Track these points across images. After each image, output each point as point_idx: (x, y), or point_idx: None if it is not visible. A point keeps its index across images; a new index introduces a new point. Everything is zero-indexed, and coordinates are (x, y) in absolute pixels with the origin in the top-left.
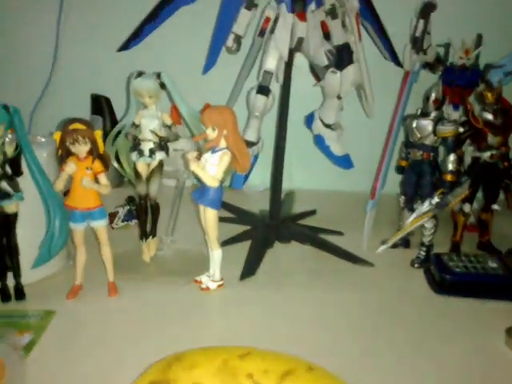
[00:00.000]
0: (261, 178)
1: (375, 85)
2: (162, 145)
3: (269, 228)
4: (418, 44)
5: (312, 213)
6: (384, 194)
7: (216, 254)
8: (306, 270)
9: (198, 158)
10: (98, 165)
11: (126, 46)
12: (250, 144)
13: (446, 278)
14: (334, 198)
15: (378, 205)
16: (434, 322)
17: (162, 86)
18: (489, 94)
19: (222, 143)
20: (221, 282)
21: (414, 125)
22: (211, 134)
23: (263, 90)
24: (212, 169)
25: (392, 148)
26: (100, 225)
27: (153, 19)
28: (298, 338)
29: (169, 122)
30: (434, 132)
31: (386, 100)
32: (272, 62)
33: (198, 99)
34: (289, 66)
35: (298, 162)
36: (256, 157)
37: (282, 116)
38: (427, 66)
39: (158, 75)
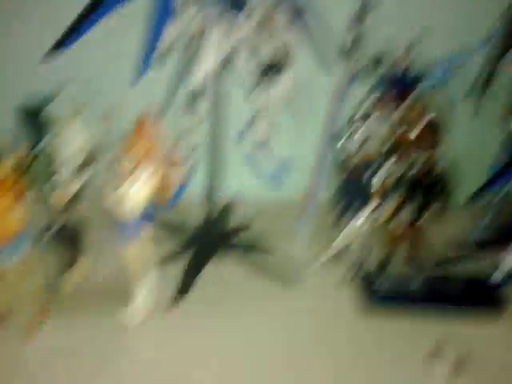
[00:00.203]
0: (200, 188)
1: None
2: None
3: (203, 246)
4: (354, 48)
5: (247, 227)
6: (321, 206)
7: (142, 286)
8: (238, 292)
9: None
10: None
11: (53, 52)
12: (183, 158)
13: (375, 296)
14: (271, 209)
15: (312, 219)
16: (363, 346)
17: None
18: (416, 109)
19: (145, 172)
20: (147, 312)
21: (341, 145)
22: (133, 162)
23: (190, 108)
24: (132, 199)
25: (325, 163)
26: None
27: (77, 28)
28: (232, 369)
29: (91, 142)
30: (361, 151)
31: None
32: (200, 78)
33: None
34: (218, 81)
35: (236, 171)
36: (192, 169)
37: (215, 128)
38: (359, 72)
39: None
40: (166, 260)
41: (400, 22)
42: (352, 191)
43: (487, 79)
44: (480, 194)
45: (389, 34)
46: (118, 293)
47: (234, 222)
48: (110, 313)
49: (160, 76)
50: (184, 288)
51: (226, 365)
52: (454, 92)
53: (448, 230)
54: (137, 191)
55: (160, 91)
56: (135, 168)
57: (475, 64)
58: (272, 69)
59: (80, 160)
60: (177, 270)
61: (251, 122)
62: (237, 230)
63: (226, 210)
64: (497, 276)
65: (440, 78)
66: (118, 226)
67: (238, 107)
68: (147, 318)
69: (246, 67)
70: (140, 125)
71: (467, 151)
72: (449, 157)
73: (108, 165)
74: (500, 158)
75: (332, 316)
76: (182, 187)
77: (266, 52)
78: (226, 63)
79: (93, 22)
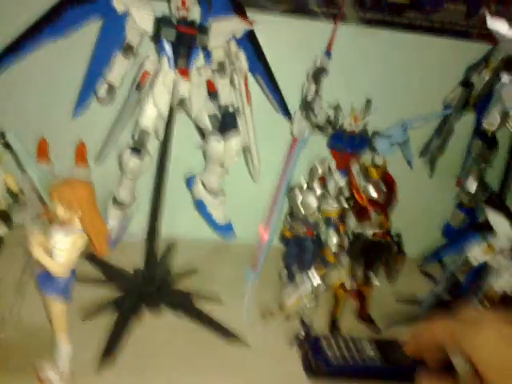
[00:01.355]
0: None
1: (264, 141)
2: (4, 216)
3: (140, 295)
4: (309, 107)
5: (192, 272)
6: (270, 261)
7: (64, 350)
8: (176, 351)
9: (44, 240)
10: None
11: None
12: (122, 205)
13: (323, 366)
14: (219, 251)
15: (260, 274)
16: None
17: (7, 146)
18: (373, 171)
19: (76, 224)
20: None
21: (299, 200)
22: (62, 213)
23: (138, 151)
24: (61, 255)
25: (278, 215)
26: None
27: (13, 52)
28: None
29: (14, 187)
30: (319, 209)
31: (275, 164)
32: (149, 120)
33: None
34: (169, 124)
35: (182, 209)
36: (129, 219)
37: (159, 175)
38: (317, 127)
39: (2, 135)
40: (94, 313)
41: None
42: (306, 249)
43: (443, 141)
44: (434, 257)
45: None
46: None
47: (178, 267)
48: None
49: (106, 110)
50: (111, 347)
51: None
52: (409, 153)
53: (400, 292)
54: (67, 244)
55: (105, 127)
56: (67, 215)
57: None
58: (230, 115)
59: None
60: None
61: (204, 168)
62: (183, 275)
63: (170, 255)
64: None
65: (396, 139)
66: (42, 278)
67: (191, 152)
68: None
69: (201, 112)
70: (79, 154)
71: (422, 212)
72: (404, 218)
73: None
74: (455, 220)
75: (278, 379)
76: (122, 232)
77: (225, 97)
78: (182, 105)
79: (34, 44)
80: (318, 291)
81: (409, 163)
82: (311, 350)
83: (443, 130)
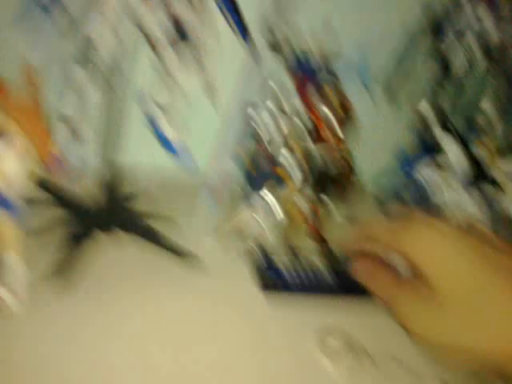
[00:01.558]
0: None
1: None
2: None
3: (90, 214)
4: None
5: (148, 196)
6: (227, 183)
7: (16, 269)
8: (129, 271)
9: None
10: None
11: None
12: (70, 121)
13: (276, 281)
14: (172, 177)
15: (217, 197)
16: (261, 329)
17: None
18: (330, 92)
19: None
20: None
21: (251, 116)
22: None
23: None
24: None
25: (233, 138)
26: None
27: None
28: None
29: None
30: (274, 128)
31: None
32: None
33: None
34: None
35: (133, 135)
36: (80, 138)
37: (111, 86)
38: (274, 49)
39: None
40: (44, 234)
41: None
42: (261, 169)
43: (401, 67)
44: (388, 181)
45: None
46: None
47: (132, 191)
48: None
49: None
50: (63, 267)
51: (123, 347)
52: (367, 79)
53: (352, 212)
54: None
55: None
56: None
57: (391, 53)
58: (182, 34)
59: None
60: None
61: (155, 83)
62: (134, 198)
63: (124, 181)
64: None
65: (355, 63)
66: None
67: (142, 68)
68: (23, 299)
69: (155, 30)
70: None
71: (377, 138)
72: (359, 143)
73: None
74: (409, 146)
75: (232, 297)
76: (72, 152)
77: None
78: (135, 23)
79: None
80: (271, 210)
81: (366, 88)
82: (265, 268)
83: (401, 55)
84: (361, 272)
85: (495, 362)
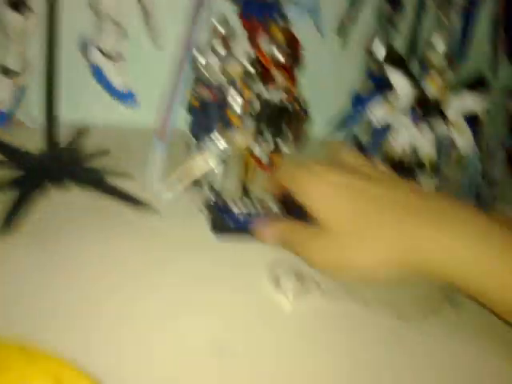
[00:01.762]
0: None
1: (166, 9)
2: None
3: (43, 171)
4: None
5: (104, 153)
6: (178, 131)
7: None
8: (82, 223)
9: None
10: None
11: None
12: (11, 73)
13: (229, 223)
14: (129, 136)
15: (168, 144)
16: (217, 269)
17: None
18: (278, 33)
19: None
20: None
21: (203, 62)
22: None
23: (17, 4)
24: None
25: (183, 84)
26: None
27: None
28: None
29: None
30: (221, 70)
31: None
32: None
33: None
34: None
35: (90, 93)
36: (23, 90)
37: (50, 34)
38: None
39: None
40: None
41: None
42: (211, 113)
43: (354, 9)
44: (341, 124)
45: None
46: None
47: (88, 149)
48: None
49: None
50: (11, 219)
51: (68, 285)
52: (319, 21)
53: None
54: None
55: None
56: None
57: None
58: None
59: None
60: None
61: (98, 28)
62: (92, 155)
63: (80, 138)
64: None
65: (306, 5)
66: None
67: (83, 14)
68: None
69: None
70: None
71: (329, 80)
72: (312, 86)
73: None
74: (363, 89)
75: (187, 241)
76: (15, 105)
77: None
78: None
79: None
80: (223, 154)
81: (320, 31)
82: (219, 211)
83: None
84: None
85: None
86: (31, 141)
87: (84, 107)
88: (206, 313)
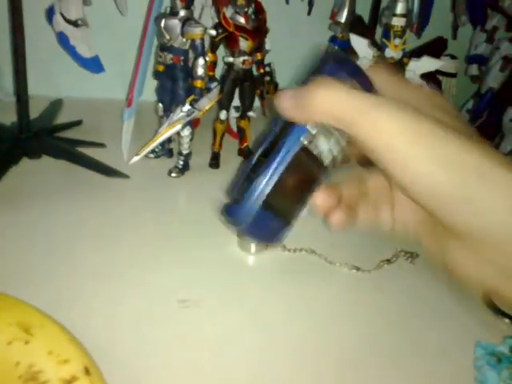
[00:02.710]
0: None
1: None
2: None
3: (16, 142)
4: None
5: (76, 123)
6: (146, 101)
7: None
8: (55, 189)
9: None
10: None
11: None
12: None
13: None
14: (101, 106)
15: (137, 113)
16: (176, 225)
17: None
18: None
19: None
20: None
21: (162, 25)
22: None
23: None
24: None
25: (148, 51)
26: None
27: None
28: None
29: None
30: (182, 34)
31: None
32: None
33: None
34: None
35: (63, 66)
36: None
37: (14, 13)
38: None
39: None
40: None
41: None
42: (175, 77)
43: None
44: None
45: None
46: None
47: (64, 118)
48: None
49: None
50: None
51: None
52: None
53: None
54: None
55: None
56: None
57: None
58: None
59: None
60: None
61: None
62: (64, 126)
63: (53, 111)
64: None
65: None
66: None
67: None
68: None
69: None
70: None
71: (300, 48)
72: (281, 54)
73: None
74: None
75: (156, 204)
76: None
77: None
78: None
79: None
80: (188, 117)
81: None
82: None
83: None
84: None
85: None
86: (5, 113)
87: (56, 80)
88: (172, 268)
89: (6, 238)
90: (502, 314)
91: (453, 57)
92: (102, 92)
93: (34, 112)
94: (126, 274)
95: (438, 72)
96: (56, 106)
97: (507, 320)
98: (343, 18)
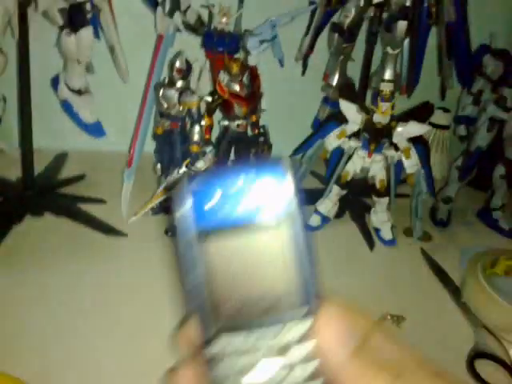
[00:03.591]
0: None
1: (130, 46)
2: None
3: (20, 199)
4: (175, 5)
5: (79, 178)
6: (148, 154)
7: None
8: (55, 249)
9: None
10: None
11: None
12: None
13: None
14: (105, 159)
15: (138, 167)
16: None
17: None
18: (233, 65)
19: None
20: None
21: (161, 94)
22: None
23: None
24: None
25: (148, 115)
26: None
27: None
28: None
29: None
30: (179, 102)
31: (144, 63)
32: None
33: None
34: (24, 21)
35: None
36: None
37: (21, 77)
38: (190, 28)
39: None
40: None
41: None
42: (173, 141)
43: (312, 37)
44: (301, 148)
45: None
46: None
47: (65, 175)
48: None
49: None
50: None
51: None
52: (279, 52)
53: None
54: None
55: None
56: None
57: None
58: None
59: None
60: None
61: (63, 67)
62: (67, 181)
63: (57, 165)
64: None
65: (265, 37)
66: None
67: (55, 52)
68: None
69: (50, 7)
70: None
71: (295, 110)
72: (273, 112)
73: None
74: (322, 114)
75: (153, 261)
76: None
77: None
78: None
79: None
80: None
81: (280, 61)
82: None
83: (311, 26)
84: None
85: None
86: (9, 168)
87: (61, 134)
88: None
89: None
90: (484, 383)
91: (445, 110)
92: (105, 145)
93: (39, 165)
94: (122, 343)
95: (431, 124)
96: (60, 160)
97: None
98: (334, 80)
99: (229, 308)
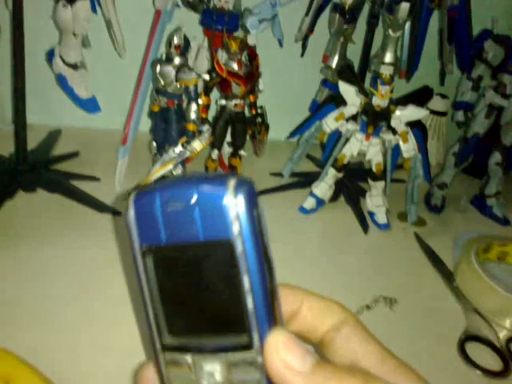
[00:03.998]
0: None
1: (128, 21)
2: None
3: (12, 174)
4: None
5: (73, 155)
6: (143, 133)
7: None
8: (47, 224)
9: None
10: None
11: None
12: None
13: None
14: (99, 137)
15: (133, 145)
16: None
17: None
18: (233, 43)
19: None
20: None
21: (158, 71)
22: None
23: None
24: None
25: (144, 92)
26: None
27: None
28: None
29: None
30: (177, 80)
31: (142, 39)
32: None
33: None
34: None
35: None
36: None
37: (15, 50)
38: (189, 4)
39: None
40: None
41: None
42: (169, 119)
43: (312, 18)
44: (298, 130)
45: None
46: None
47: (56, 149)
48: None
49: None
50: None
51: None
52: (278, 32)
53: (268, 163)
54: None
55: None
56: None
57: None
58: None
59: None
60: None
61: (59, 41)
62: (61, 158)
63: (51, 141)
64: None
65: (264, 16)
66: None
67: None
68: None
69: None
70: None
71: (294, 91)
72: (272, 92)
73: None
74: (320, 96)
75: None
76: None
77: None
78: None
79: None
80: (180, 157)
81: (279, 41)
82: None
83: (312, 6)
84: None
85: None
86: (2, 143)
87: (56, 111)
88: None
89: None
90: (474, 365)
91: (443, 96)
92: (100, 122)
93: (33, 141)
94: (115, 316)
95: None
96: (54, 136)
97: (478, 371)
98: (334, 62)
99: (173, 326)
